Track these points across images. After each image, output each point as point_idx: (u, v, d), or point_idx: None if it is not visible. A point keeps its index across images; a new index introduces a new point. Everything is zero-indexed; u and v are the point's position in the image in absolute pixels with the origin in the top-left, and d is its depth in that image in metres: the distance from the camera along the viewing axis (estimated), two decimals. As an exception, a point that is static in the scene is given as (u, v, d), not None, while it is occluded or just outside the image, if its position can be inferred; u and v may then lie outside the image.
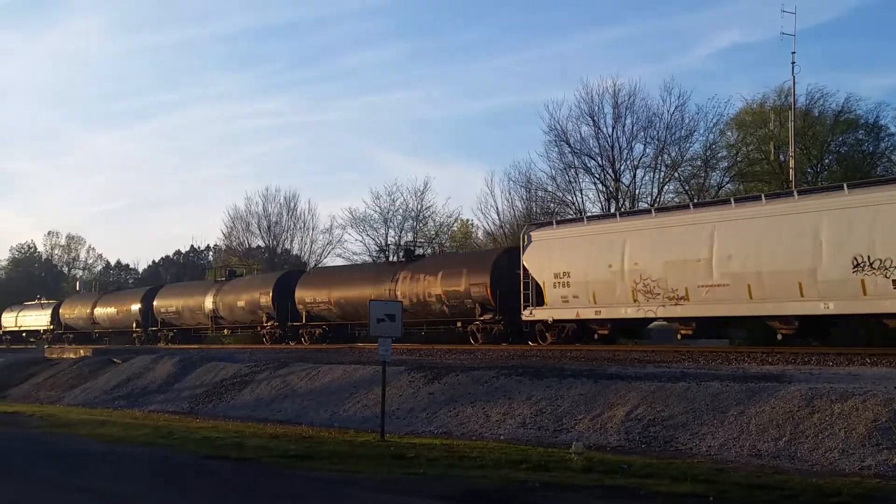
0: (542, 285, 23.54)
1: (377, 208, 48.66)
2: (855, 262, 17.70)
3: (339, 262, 50.28)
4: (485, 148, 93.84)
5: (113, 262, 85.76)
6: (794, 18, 30.65)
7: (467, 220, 50.32)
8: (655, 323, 22.81)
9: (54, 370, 31.46)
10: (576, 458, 11.27)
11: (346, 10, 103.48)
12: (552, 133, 39.10)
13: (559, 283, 23.04)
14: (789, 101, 33.09)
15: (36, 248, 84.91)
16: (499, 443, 13.98)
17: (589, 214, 31.52)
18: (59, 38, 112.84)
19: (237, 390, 22.52)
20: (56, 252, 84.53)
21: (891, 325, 17.88)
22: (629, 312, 21.53)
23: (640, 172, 38.10)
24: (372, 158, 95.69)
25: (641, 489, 9.27)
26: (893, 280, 17.23)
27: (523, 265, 24.06)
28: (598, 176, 38.41)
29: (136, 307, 42.46)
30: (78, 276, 76.70)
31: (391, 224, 48.76)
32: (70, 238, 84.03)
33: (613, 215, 25.44)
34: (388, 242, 47.81)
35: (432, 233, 48.98)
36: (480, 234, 47.22)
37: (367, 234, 49.38)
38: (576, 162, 38.75)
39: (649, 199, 37.04)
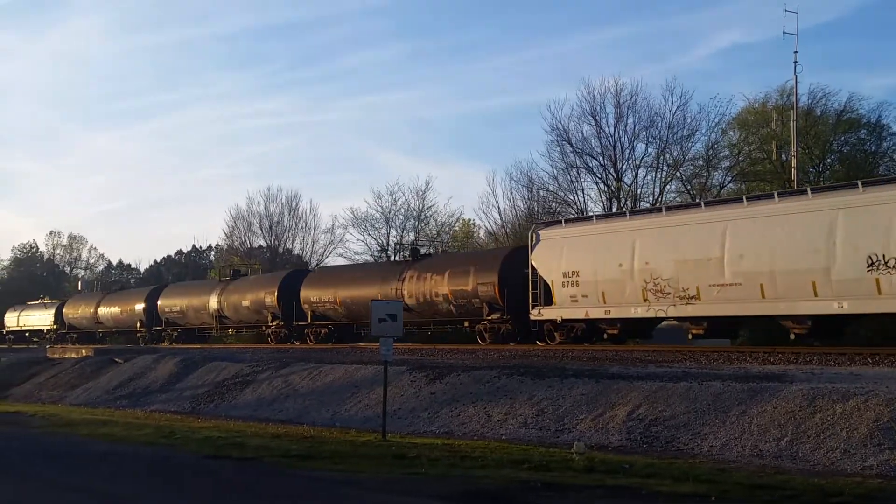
0: (550, 285, 23.33)
1: (379, 208, 48.62)
2: (870, 261, 17.42)
3: (341, 261, 50.23)
4: (485, 148, 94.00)
5: (114, 262, 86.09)
6: (796, 18, 30.64)
7: (469, 220, 50.23)
8: (665, 322, 22.66)
9: (56, 370, 31.49)
10: (577, 458, 11.28)
11: (346, 10, 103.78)
12: (554, 133, 39.01)
13: (568, 282, 22.81)
14: (791, 101, 33.11)
15: (38, 248, 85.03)
16: (500, 443, 13.97)
17: (598, 213, 31.28)
18: (59, 38, 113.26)
19: (239, 390, 22.53)
20: (58, 252, 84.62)
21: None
22: (639, 312, 21.33)
23: (641, 172, 38.00)
24: (372, 158, 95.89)
25: (643, 489, 9.27)
26: None
27: (532, 264, 23.88)
28: (599, 176, 38.35)
29: (140, 307, 42.35)
30: (80, 275, 76.71)
31: (393, 224, 48.74)
32: (72, 238, 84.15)
33: (623, 214, 25.07)
34: (390, 242, 47.88)
35: (434, 233, 48.98)
36: (482, 233, 47.19)
37: (369, 234, 49.37)
38: (577, 161, 38.67)
39: (651, 198, 37.01)
